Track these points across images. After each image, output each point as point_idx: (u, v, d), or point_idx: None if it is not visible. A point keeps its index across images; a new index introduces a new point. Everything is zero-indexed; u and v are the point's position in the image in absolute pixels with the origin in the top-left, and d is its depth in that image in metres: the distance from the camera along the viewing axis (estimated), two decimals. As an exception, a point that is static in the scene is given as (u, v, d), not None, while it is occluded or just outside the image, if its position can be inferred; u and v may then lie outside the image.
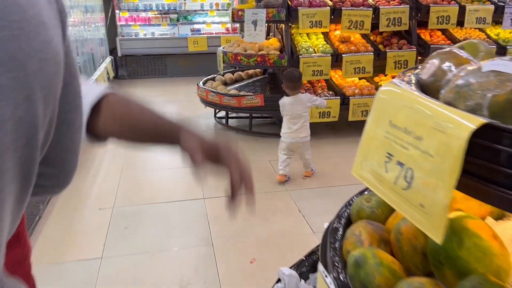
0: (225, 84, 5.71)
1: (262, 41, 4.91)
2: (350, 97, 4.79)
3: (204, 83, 5.55)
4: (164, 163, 4.30)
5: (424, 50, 5.11)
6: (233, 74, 5.86)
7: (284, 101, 3.77)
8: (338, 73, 5.29)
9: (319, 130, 4.93)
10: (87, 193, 3.69)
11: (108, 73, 7.01)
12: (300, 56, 4.73)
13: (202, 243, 2.91)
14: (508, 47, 5.19)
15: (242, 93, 4.97)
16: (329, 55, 4.78)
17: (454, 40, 5.29)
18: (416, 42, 5.18)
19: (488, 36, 5.41)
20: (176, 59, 8.47)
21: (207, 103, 5.17)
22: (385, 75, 5.29)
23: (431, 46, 5.08)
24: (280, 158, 3.85)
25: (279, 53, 4.89)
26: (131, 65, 8.39)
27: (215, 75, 5.89)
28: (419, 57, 5.17)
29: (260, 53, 4.89)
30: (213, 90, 5.04)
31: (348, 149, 4.59)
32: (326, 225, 1.25)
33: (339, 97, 4.76)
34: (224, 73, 5.78)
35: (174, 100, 6.80)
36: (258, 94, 4.74)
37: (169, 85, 7.93)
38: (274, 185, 3.76)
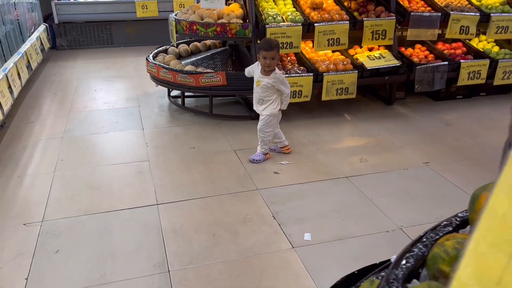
0: (180, 57, 4.96)
1: (222, 8, 4.18)
2: (324, 74, 4.20)
3: (154, 57, 4.78)
4: (110, 156, 3.60)
5: (403, 18, 4.57)
6: (188, 46, 5.11)
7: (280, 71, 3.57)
8: (308, 45, 4.68)
9: (288, 111, 4.34)
10: (9, 202, 2.95)
11: (42, 44, 6.03)
12: (266, 26, 4.05)
13: (155, 271, 2.30)
14: (492, 14, 4.74)
15: (199, 69, 4.27)
16: (300, 24, 4.14)
17: (434, 7, 4.78)
18: (395, 9, 4.62)
19: (470, 2, 4.93)
20: (123, 26, 7.53)
21: (159, 81, 4.44)
22: (361, 47, 4.73)
23: (412, 13, 4.54)
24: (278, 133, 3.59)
25: (242, 22, 4.19)
26: (71, 33, 7.36)
27: (168, 47, 5.11)
28: (398, 26, 4.63)
29: (219, 21, 4.17)
30: (165, 66, 4.30)
31: (323, 134, 4.05)
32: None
33: (311, 74, 4.16)
34: (178, 44, 5.02)
35: (122, 75, 5.97)
36: (219, 72, 4.06)
37: (115, 56, 7.02)
38: (242, 183, 3.17)
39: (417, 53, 4.82)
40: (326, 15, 4.27)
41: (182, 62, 4.66)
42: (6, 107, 3.97)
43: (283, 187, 3.13)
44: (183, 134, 4.05)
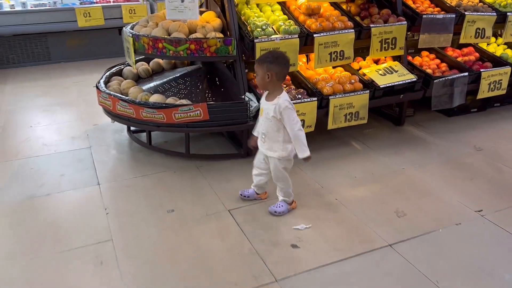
0: (139, 79, 3.92)
1: (195, 19, 3.20)
2: (329, 97, 3.33)
3: (107, 82, 3.71)
4: (55, 238, 2.53)
5: (413, 23, 3.78)
6: (148, 64, 4.07)
7: (286, 95, 2.56)
8: (301, 60, 3.79)
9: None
10: None
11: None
12: (255, 40, 3.12)
13: None
14: (509, 13, 4.06)
15: (170, 100, 3.26)
16: (297, 36, 3.24)
17: (444, 7, 4.04)
18: (402, 11, 3.83)
19: (482, 1, 4.24)
20: (62, 38, 6.31)
21: (116, 116, 3.38)
22: (364, 59, 3.91)
23: (423, 16, 3.77)
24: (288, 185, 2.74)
25: (222, 36, 3.22)
26: (-4, 49, 6.05)
27: (123, 65, 4.05)
28: (409, 32, 3.84)
29: (193, 36, 3.19)
30: (124, 98, 3.25)
31: (335, 174, 3.19)
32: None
33: (315, 98, 3.27)
34: (135, 61, 3.96)
35: (64, 102, 4.80)
36: (198, 104, 3.08)
37: (54, 75, 5.81)
38: (251, 271, 2.23)
39: (427, 63, 4.07)
40: (326, 23, 3.40)
41: (144, 88, 3.63)
42: None
43: (311, 272, 2.22)
44: (154, 188, 3.03)
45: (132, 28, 3.55)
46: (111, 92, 3.34)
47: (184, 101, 3.21)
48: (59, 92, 5.16)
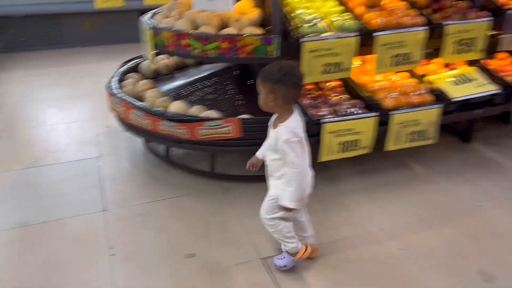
0: (158, 76, 3.33)
1: (229, 9, 2.56)
2: (390, 112, 2.67)
3: (121, 80, 3.13)
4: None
5: (497, 19, 3.05)
6: (168, 58, 3.47)
7: (292, 126, 1.86)
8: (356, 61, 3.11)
9: (331, 164, 2.84)
10: None
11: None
12: (302, 40, 2.47)
13: None
14: None
15: (194, 109, 2.65)
16: (355, 34, 2.58)
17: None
18: (480, 3, 3.10)
19: None
20: (77, 20, 5.74)
21: (130, 127, 2.81)
22: (429, 62, 3.22)
23: (508, 11, 3.03)
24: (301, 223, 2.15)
25: (261, 32, 2.58)
26: (7, 31, 5.53)
27: (140, 60, 3.46)
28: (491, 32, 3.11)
29: (225, 32, 2.56)
30: (138, 105, 2.67)
31: (394, 209, 2.57)
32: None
33: (374, 114, 2.62)
34: (155, 54, 3.35)
35: (77, 95, 4.26)
36: (229, 118, 2.47)
37: (68, 61, 5.26)
38: None
39: (504, 68, 3.33)
40: (390, 18, 2.71)
41: (164, 89, 3.04)
42: None
43: None
44: (172, 219, 2.47)
45: (152, 16, 2.93)
46: (124, 97, 2.76)
47: (211, 113, 2.60)
48: (71, 82, 4.62)
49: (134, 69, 3.39)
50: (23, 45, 5.61)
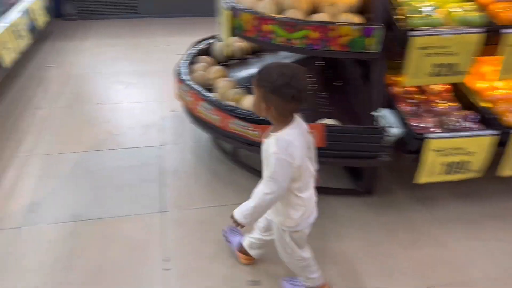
0: (231, 60, 3.00)
1: (324, -7, 2.14)
2: (513, 130, 2.15)
3: (191, 63, 2.83)
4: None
5: None
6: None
7: (286, 139, 1.48)
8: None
9: (428, 187, 2.39)
10: None
11: (33, 19, 4.14)
12: (410, 33, 2.00)
13: None
14: None
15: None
16: (478, 30, 2.06)
17: None
18: None
19: None
20: (152, -11, 5.52)
21: (197, 119, 2.51)
22: None
23: None
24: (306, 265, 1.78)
25: (360, 20, 2.14)
26: (81, -2, 5.43)
27: (213, 41, 3.14)
28: None
29: (316, 18, 2.15)
30: (208, 97, 2.34)
31: (497, 241, 2.08)
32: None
33: (493, 132, 2.12)
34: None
35: (144, 71, 4.04)
36: (310, 124, 2.08)
37: (139, 33, 5.07)
38: None
39: None
40: (525, 11, 2.15)
41: (238, 78, 2.70)
42: None
43: None
44: (236, 232, 2.17)
45: (230, -3, 2.57)
46: (193, 85, 2.45)
47: (290, 113, 2.22)
48: (141, 56, 4.42)
49: (206, 51, 3.07)
50: (95, 13, 5.50)
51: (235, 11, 2.32)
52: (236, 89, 2.48)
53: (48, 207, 2.31)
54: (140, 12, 5.58)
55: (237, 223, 1.54)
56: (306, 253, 1.72)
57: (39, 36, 4.33)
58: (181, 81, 2.53)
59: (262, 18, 2.18)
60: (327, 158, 2.14)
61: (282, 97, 1.40)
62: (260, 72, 1.46)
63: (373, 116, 2.17)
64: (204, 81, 2.63)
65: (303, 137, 1.50)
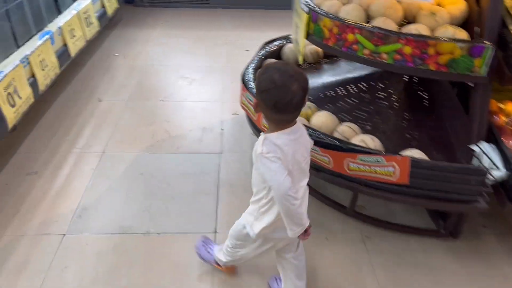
0: (303, 65, 2.71)
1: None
2: None
3: (258, 67, 2.58)
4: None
5: None
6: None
7: (275, 142, 1.33)
8: None
9: None
10: None
11: (104, 6, 4.09)
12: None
13: None
14: None
15: (343, 129, 1.99)
16: None
17: None
18: None
19: None
20: (224, -22, 5.32)
21: (259, 131, 2.26)
22: None
23: None
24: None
25: (465, 35, 1.77)
26: (154, -15, 5.35)
27: (284, 42, 2.87)
28: None
29: (412, 31, 1.80)
30: None
31: None
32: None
33: None
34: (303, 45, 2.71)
35: (208, 67, 3.85)
36: (393, 156, 1.75)
37: (207, 25, 4.90)
38: None
39: None
40: None
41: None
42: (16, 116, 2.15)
43: None
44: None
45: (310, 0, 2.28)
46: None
47: (367, 139, 1.90)
48: (207, 50, 4.24)
49: (277, 53, 2.81)
50: (166, 1, 5.40)
51: (314, 15, 2.03)
52: (306, 103, 2.20)
53: (96, 214, 2.18)
54: (210, 3, 5.40)
55: (305, 231, 1.40)
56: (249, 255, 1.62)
57: (108, 23, 4.28)
58: (246, 88, 2.28)
59: (346, 26, 1.87)
60: (408, 197, 1.81)
61: (264, 103, 1.29)
62: (263, 66, 1.37)
63: (471, 151, 1.80)
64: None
65: (299, 147, 1.34)
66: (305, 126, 1.92)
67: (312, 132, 1.91)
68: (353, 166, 1.80)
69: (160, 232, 2.09)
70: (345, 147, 1.80)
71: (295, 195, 1.30)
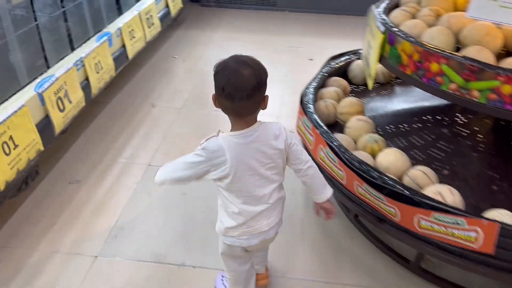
0: (374, 85, 2.40)
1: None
2: None
3: (321, 86, 2.31)
4: None
5: None
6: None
7: (221, 144, 1.29)
8: None
9: None
10: None
11: (168, 6, 3.99)
12: None
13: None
14: None
15: (415, 175, 1.67)
16: None
17: None
18: None
19: None
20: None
21: (316, 164, 2.00)
22: None
23: None
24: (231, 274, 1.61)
25: None
26: (219, -16, 5.21)
27: (353, 57, 2.57)
28: None
29: (511, 64, 1.46)
30: (335, 143, 1.79)
31: None
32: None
33: None
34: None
35: (269, 77, 3.62)
36: (476, 219, 1.42)
37: (272, 28, 4.67)
38: None
39: None
40: None
41: (378, 112, 2.12)
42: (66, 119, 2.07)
43: None
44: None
45: (388, 10, 1.97)
46: (317, 123, 1.93)
47: (444, 191, 1.58)
48: (268, 56, 3.98)
49: (343, 69, 2.53)
50: (233, 2, 5.23)
51: (391, 36, 1.73)
52: (372, 135, 1.90)
53: (132, 236, 2.04)
54: (278, 5, 5.17)
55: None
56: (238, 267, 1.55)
57: (171, 24, 4.18)
58: (304, 112, 2.03)
59: (430, 53, 1.56)
60: (490, 270, 1.47)
61: (215, 87, 1.25)
62: None
63: None
64: (332, 113, 2.10)
65: (252, 152, 1.28)
66: (369, 166, 1.64)
67: (377, 175, 1.62)
68: (425, 224, 1.49)
69: (196, 265, 1.90)
70: (417, 200, 1.50)
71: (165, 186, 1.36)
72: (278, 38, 4.38)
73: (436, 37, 1.62)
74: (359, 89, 2.51)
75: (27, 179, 2.21)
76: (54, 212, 2.16)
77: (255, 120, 1.31)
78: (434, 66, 1.56)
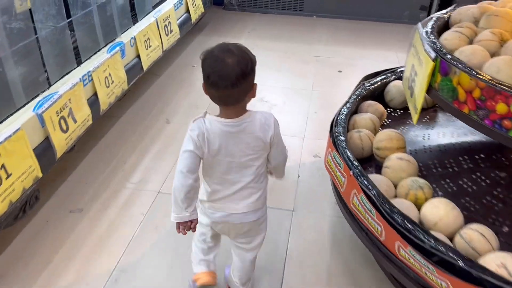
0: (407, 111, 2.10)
1: None
2: None
3: (353, 112, 2.03)
4: None
5: None
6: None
7: (207, 128, 1.30)
8: None
9: None
10: None
11: (189, 11, 3.75)
12: None
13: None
14: None
15: (471, 236, 1.37)
16: None
17: None
18: None
19: None
20: (323, -16, 4.76)
21: (347, 211, 1.71)
22: None
23: None
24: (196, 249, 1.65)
25: None
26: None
27: (391, 75, 2.28)
28: None
29: None
30: (372, 192, 1.51)
31: None
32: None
33: None
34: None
35: (291, 89, 3.34)
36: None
37: (299, 35, 4.38)
38: None
39: None
40: None
41: (421, 147, 1.82)
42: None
43: None
44: None
45: (439, 29, 1.67)
46: (351, 160, 1.64)
47: (510, 262, 1.28)
48: (294, 67, 3.73)
49: (379, 90, 2.23)
50: (258, 5, 4.97)
51: (444, 65, 1.43)
52: (416, 179, 1.60)
53: (133, 281, 1.80)
54: (305, 10, 4.88)
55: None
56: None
57: (191, 29, 3.94)
58: (335, 146, 1.74)
59: (495, 90, 1.26)
60: None
61: (203, 73, 1.24)
62: None
63: None
64: (367, 148, 1.82)
65: (237, 142, 1.30)
66: (415, 224, 1.35)
67: (422, 235, 1.33)
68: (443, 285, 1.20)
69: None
70: (475, 275, 1.20)
71: (192, 175, 1.30)
72: (304, 47, 4.10)
73: (502, 70, 1.31)
74: (396, 113, 2.22)
75: (25, 206, 2.01)
76: (52, 246, 1.94)
77: (244, 110, 1.30)
78: (500, 107, 1.26)
